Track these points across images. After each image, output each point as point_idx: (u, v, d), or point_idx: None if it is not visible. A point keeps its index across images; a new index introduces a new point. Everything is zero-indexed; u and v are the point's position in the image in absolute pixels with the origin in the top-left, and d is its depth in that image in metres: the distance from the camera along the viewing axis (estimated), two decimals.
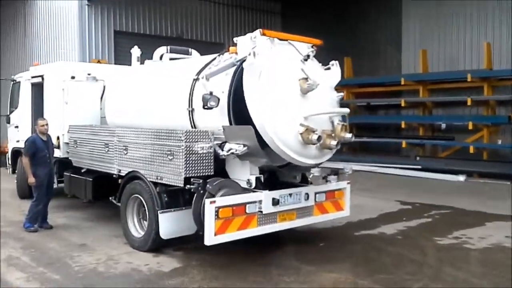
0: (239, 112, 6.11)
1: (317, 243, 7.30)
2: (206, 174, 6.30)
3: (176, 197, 6.64)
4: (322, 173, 7.26)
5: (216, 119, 6.34)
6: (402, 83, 15.66)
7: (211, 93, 6.03)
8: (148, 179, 6.74)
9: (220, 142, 6.38)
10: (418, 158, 16.23)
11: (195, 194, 6.07)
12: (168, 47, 9.13)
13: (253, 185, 6.25)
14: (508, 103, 15.32)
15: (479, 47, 15.98)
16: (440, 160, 15.89)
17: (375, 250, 7.02)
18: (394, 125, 18.12)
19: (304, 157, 6.16)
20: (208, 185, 5.90)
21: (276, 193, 6.30)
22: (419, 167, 14.95)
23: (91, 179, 8.31)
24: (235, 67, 6.17)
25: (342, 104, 6.88)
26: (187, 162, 6.13)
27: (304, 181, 7.05)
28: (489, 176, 14.10)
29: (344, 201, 7.31)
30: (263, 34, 6.09)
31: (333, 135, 6.18)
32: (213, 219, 5.68)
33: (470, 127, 14.68)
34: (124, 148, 7.26)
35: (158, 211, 6.46)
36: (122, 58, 14.51)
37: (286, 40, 6.46)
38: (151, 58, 8.93)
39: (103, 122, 8.93)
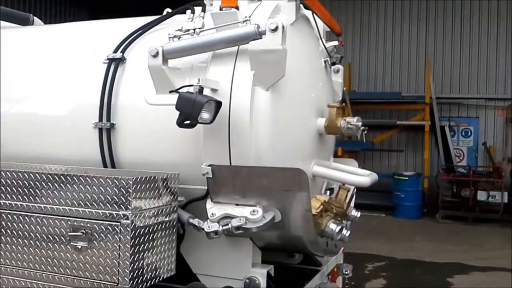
0: None
1: None
2: (166, 275, 2.77)
3: None
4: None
5: (182, 147, 2.89)
6: None
7: (201, 90, 2.57)
8: None
9: (182, 200, 2.95)
10: None
11: None
12: None
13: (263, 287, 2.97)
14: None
15: None
16: None
17: None
18: None
19: None
20: None
21: None
22: None
23: None
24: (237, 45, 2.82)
25: None
26: (136, 254, 2.49)
27: (309, 260, 3.94)
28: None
29: (336, 280, 4.53)
30: None
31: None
32: None
33: (340, 153, 13.29)
34: None
35: None
36: None
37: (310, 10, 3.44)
38: None
39: None
